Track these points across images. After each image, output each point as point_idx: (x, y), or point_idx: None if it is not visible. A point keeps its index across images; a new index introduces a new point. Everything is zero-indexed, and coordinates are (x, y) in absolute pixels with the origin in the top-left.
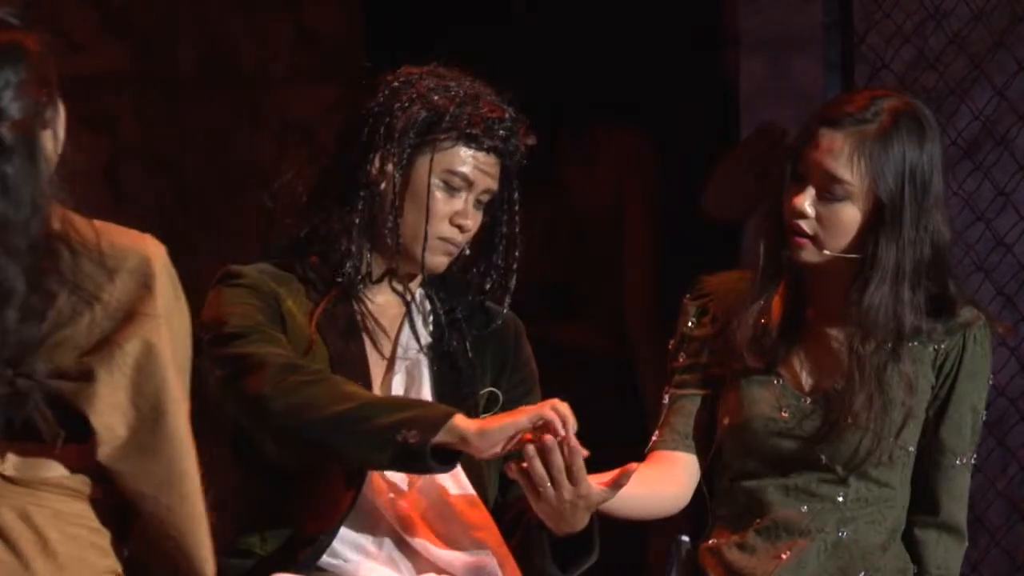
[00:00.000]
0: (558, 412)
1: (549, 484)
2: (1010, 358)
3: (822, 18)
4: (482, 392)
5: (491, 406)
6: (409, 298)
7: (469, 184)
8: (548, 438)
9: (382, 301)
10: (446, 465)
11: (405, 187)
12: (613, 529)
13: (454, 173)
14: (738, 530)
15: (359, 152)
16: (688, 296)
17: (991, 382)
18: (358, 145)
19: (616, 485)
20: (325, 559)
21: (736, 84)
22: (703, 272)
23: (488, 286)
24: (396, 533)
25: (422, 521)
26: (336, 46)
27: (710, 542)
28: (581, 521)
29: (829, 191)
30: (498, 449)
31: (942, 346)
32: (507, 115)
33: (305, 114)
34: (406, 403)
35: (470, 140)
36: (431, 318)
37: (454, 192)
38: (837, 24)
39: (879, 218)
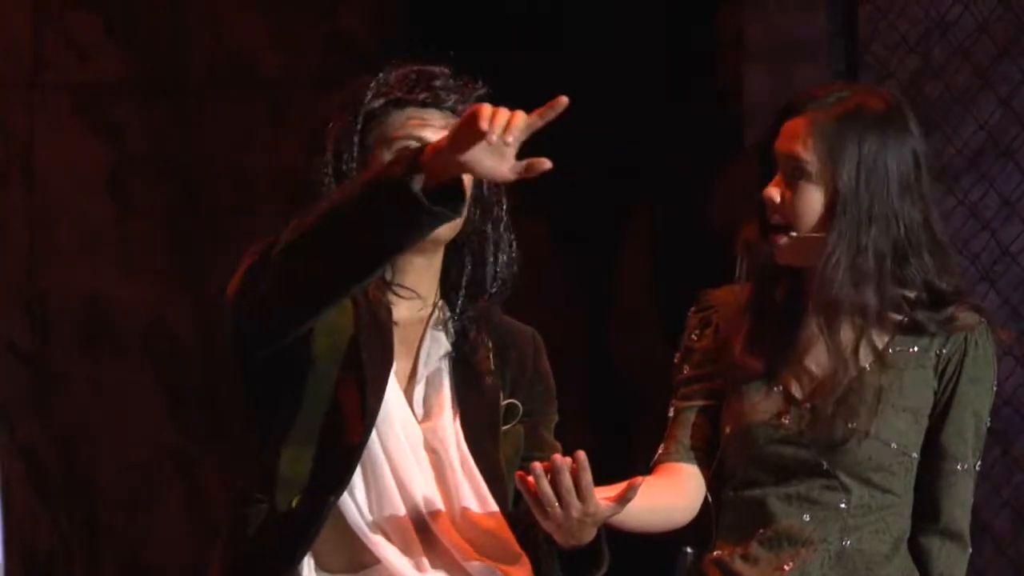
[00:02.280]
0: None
1: (557, 504)
2: (1016, 367)
3: (827, 27)
4: (503, 403)
5: (510, 418)
6: (431, 304)
7: (420, 140)
8: (557, 457)
9: (405, 310)
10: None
11: None
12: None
13: (399, 138)
14: (741, 540)
15: (321, 170)
16: (692, 309)
17: (995, 387)
18: (319, 165)
19: (623, 500)
20: (352, 515)
21: (740, 93)
22: (708, 282)
23: (488, 274)
24: (421, 515)
25: (446, 516)
26: (371, 50)
27: (714, 553)
28: (588, 535)
29: (790, 173)
30: (457, 147)
31: (944, 351)
32: (436, 71)
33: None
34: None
35: (400, 103)
36: (451, 326)
37: None
38: (842, 33)
39: (836, 198)
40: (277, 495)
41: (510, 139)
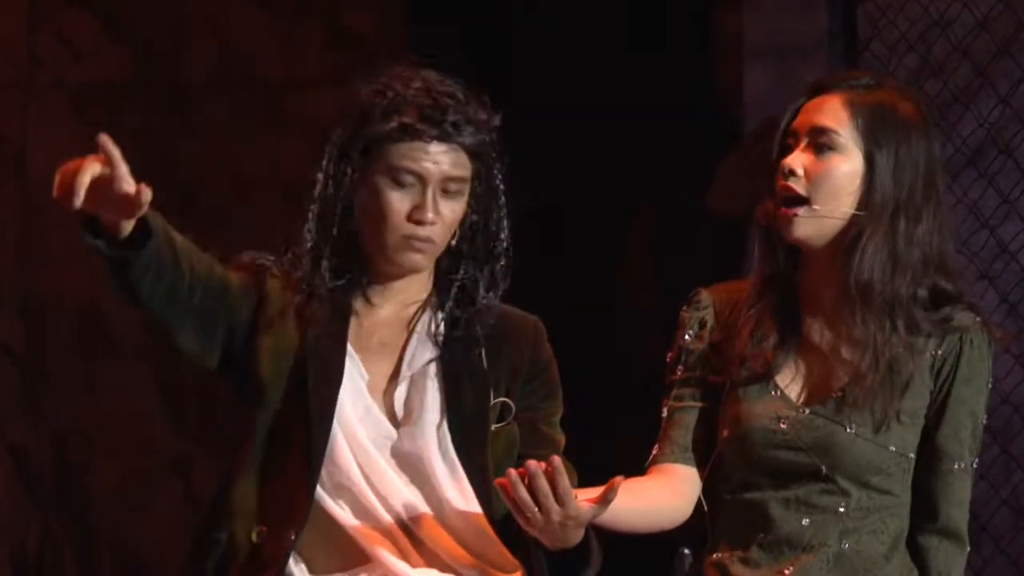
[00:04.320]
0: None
1: (536, 509)
2: (1015, 366)
3: (826, 26)
4: (494, 403)
5: (504, 417)
6: (417, 308)
7: (420, 177)
8: (531, 463)
9: (389, 311)
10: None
11: (358, 197)
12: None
13: (399, 169)
14: (740, 544)
15: (318, 170)
16: (685, 307)
17: (990, 386)
18: (317, 164)
19: (604, 501)
20: (340, 517)
21: (740, 91)
22: (708, 280)
23: (480, 282)
24: (404, 520)
25: (429, 520)
26: (374, 48)
27: (714, 556)
28: (575, 537)
29: (818, 144)
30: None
31: (939, 352)
32: (450, 102)
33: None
34: None
35: (407, 133)
36: (441, 327)
37: (407, 188)
38: (841, 32)
39: (870, 179)
40: (235, 527)
41: (77, 200)
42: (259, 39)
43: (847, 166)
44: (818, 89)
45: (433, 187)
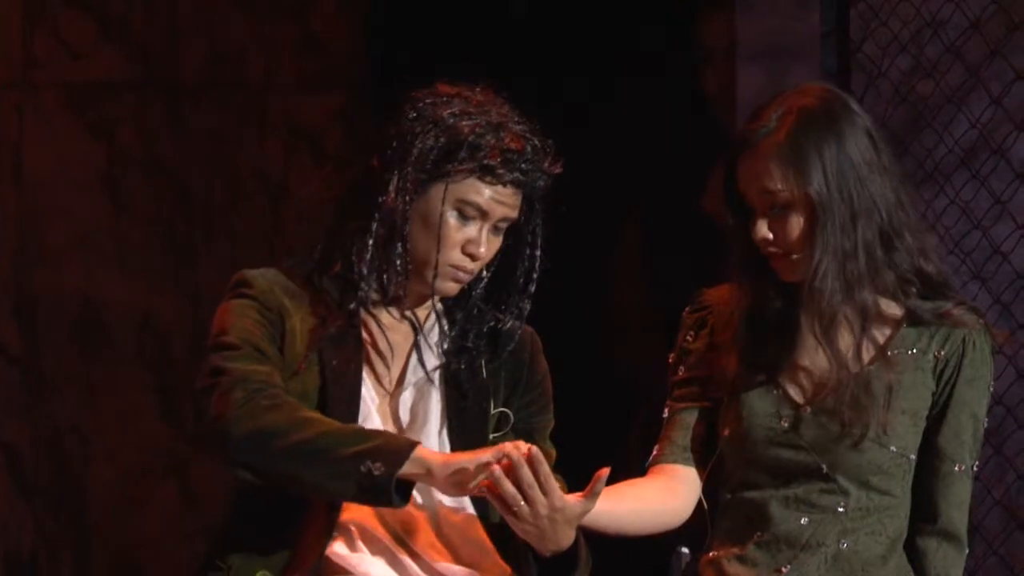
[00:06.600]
0: (521, 450)
1: (522, 502)
2: (1007, 366)
3: (819, 27)
4: (493, 413)
5: (502, 427)
6: (425, 317)
7: (484, 214)
8: (513, 452)
9: (398, 319)
10: (405, 499)
11: (417, 213)
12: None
13: (468, 203)
14: (738, 542)
15: (378, 173)
16: (687, 309)
17: (992, 388)
18: (378, 165)
19: (592, 494)
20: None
21: (733, 92)
22: (703, 281)
23: (504, 309)
24: (398, 536)
25: (424, 528)
26: (343, 53)
27: (710, 554)
28: (566, 537)
29: (770, 207)
30: (463, 484)
31: (942, 353)
32: (528, 148)
33: (311, 121)
34: (367, 434)
35: (486, 172)
36: (447, 338)
37: (468, 220)
38: (834, 32)
39: (815, 211)
40: (239, 561)
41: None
42: (245, 42)
43: (803, 214)
44: (741, 148)
45: (490, 223)
